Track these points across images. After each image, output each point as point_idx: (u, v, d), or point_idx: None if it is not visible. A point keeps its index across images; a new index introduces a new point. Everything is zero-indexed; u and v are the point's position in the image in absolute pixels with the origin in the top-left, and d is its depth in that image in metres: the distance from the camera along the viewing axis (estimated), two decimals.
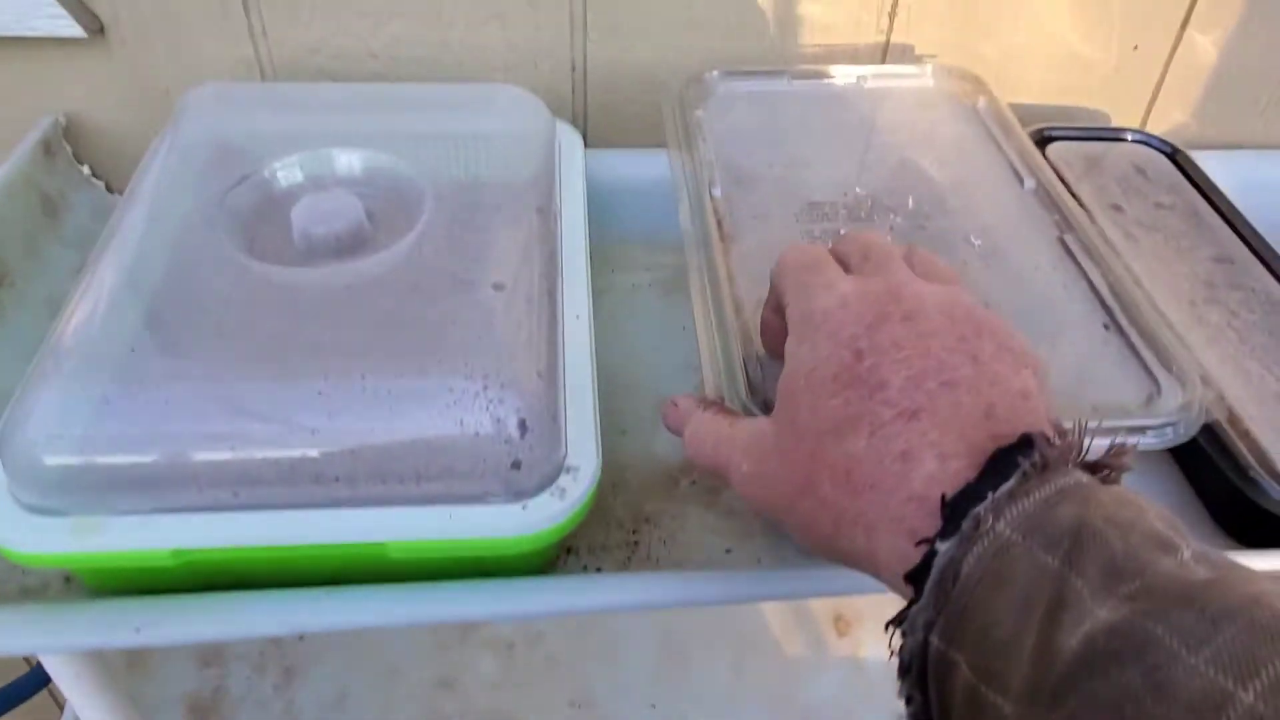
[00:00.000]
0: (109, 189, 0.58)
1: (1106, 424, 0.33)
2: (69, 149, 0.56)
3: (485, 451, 0.33)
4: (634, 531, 0.42)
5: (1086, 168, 0.53)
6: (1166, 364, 0.36)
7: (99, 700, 0.40)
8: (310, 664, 0.65)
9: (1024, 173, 0.45)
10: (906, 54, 0.56)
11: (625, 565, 0.40)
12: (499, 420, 0.33)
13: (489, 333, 0.35)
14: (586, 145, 0.60)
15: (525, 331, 0.36)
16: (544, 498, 0.34)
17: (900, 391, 0.26)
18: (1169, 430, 0.33)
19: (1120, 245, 0.48)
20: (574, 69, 0.56)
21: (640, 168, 0.56)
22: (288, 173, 0.42)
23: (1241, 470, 0.39)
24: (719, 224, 0.42)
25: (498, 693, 0.64)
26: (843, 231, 0.44)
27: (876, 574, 0.26)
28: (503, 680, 0.65)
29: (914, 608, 0.24)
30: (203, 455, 0.32)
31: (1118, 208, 0.50)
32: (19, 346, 0.46)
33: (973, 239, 0.42)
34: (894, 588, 0.26)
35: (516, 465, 0.33)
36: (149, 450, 0.32)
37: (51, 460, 0.32)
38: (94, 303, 0.35)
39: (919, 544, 0.24)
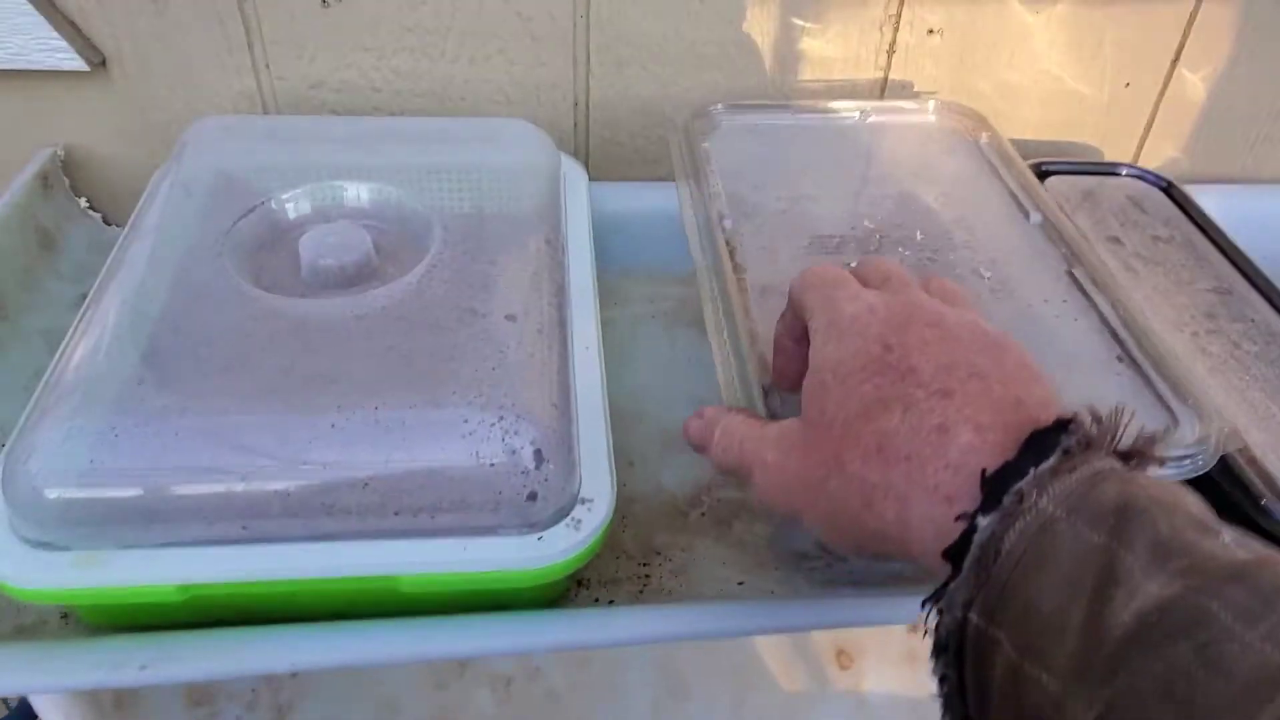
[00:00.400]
0: (106, 222, 0.57)
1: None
2: (67, 182, 0.55)
3: (501, 483, 0.32)
4: (644, 564, 0.41)
5: (1083, 201, 0.54)
6: (1181, 396, 0.36)
7: None
8: (303, 701, 0.64)
9: (1029, 207, 0.45)
10: (905, 90, 0.57)
11: (637, 598, 0.39)
12: (515, 451, 0.33)
13: (503, 364, 0.35)
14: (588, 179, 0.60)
15: (538, 363, 0.36)
16: (559, 529, 0.34)
17: (932, 376, 0.26)
18: (1187, 462, 0.33)
19: (1121, 278, 0.49)
20: (576, 104, 0.57)
21: (643, 201, 0.56)
22: (295, 204, 0.42)
23: (1254, 499, 0.39)
24: (731, 255, 0.42)
25: None
26: (852, 264, 0.44)
27: (906, 551, 0.26)
28: (501, 716, 0.64)
29: (952, 585, 0.23)
30: (211, 488, 0.32)
31: (1116, 240, 0.51)
32: (15, 379, 0.46)
33: (983, 272, 0.43)
34: (926, 563, 0.25)
35: (532, 497, 0.33)
36: (155, 483, 0.32)
37: (54, 493, 0.31)
38: (98, 334, 0.35)
39: (957, 519, 0.23)
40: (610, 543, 0.42)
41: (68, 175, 0.55)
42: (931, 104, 0.52)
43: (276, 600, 0.34)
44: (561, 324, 0.40)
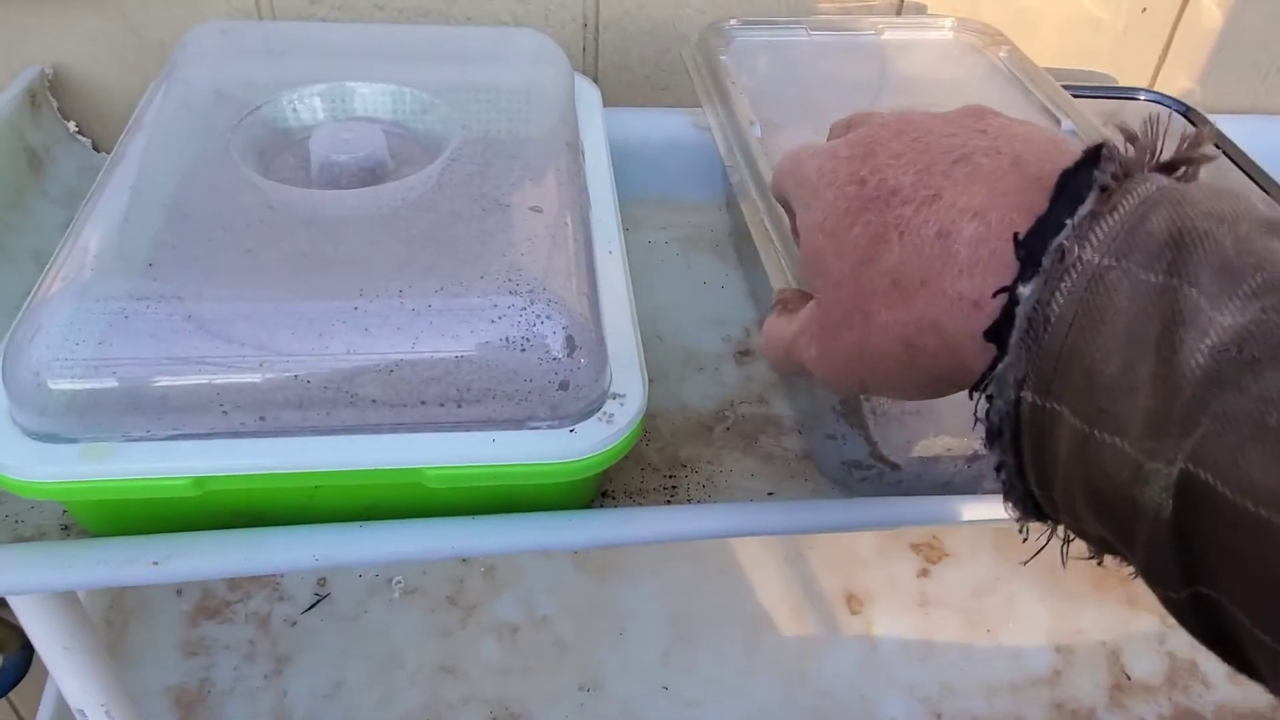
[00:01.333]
0: (96, 148, 0.55)
1: None
2: (55, 103, 0.53)
3: (531, 370, 0.31)
4: (670, 476, 0.40)
5: (1104, 124, 0.53)
6: None
7: (88, 676, 0.38)
8: (303, 652, 0.62)
9: (1060, 115, 0.44)
10: (920, 14, 0.56)
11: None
12: (546, 337, 0.31)
13: (531, 251, 0.33)
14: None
15: (566, 254, 0.35)
16: (592, 423, 0.32)
17: (913, 187, 0.23)
18: None
19: None
20: (585, 24, 0.55)
21: (656, 127, 0.55)
22: (304, 105, 0.40)
23: None
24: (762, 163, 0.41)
25: (504, 678, 0.62)
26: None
27: (970, 373, 0.23)
28: (509, 665, 0.62)
29: (1000, 366, 0.21)
30: (227, 376, 0.30)
31: None
32: (4, 299, 0.44)
33: None
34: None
35: (564, 386, 0.31)
36: (168, 371, 0.30)
37: (60, 379, 0.29)
38: (105, 219, 0.33)
39: (996, 294, 0.21)
40: (635, 455, 0.40)
41: (56, 96, 0.53)
42: (948, 21, 0.51)
43: (296, 499, 0.32)
44: (585, 223, 0.38)
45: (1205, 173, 0.52)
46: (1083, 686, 0.65)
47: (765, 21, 0.50)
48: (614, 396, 0.33)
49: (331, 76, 0.41)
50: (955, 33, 0.51)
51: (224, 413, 0.30)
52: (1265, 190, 0.49)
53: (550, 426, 0.32)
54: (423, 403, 0.31)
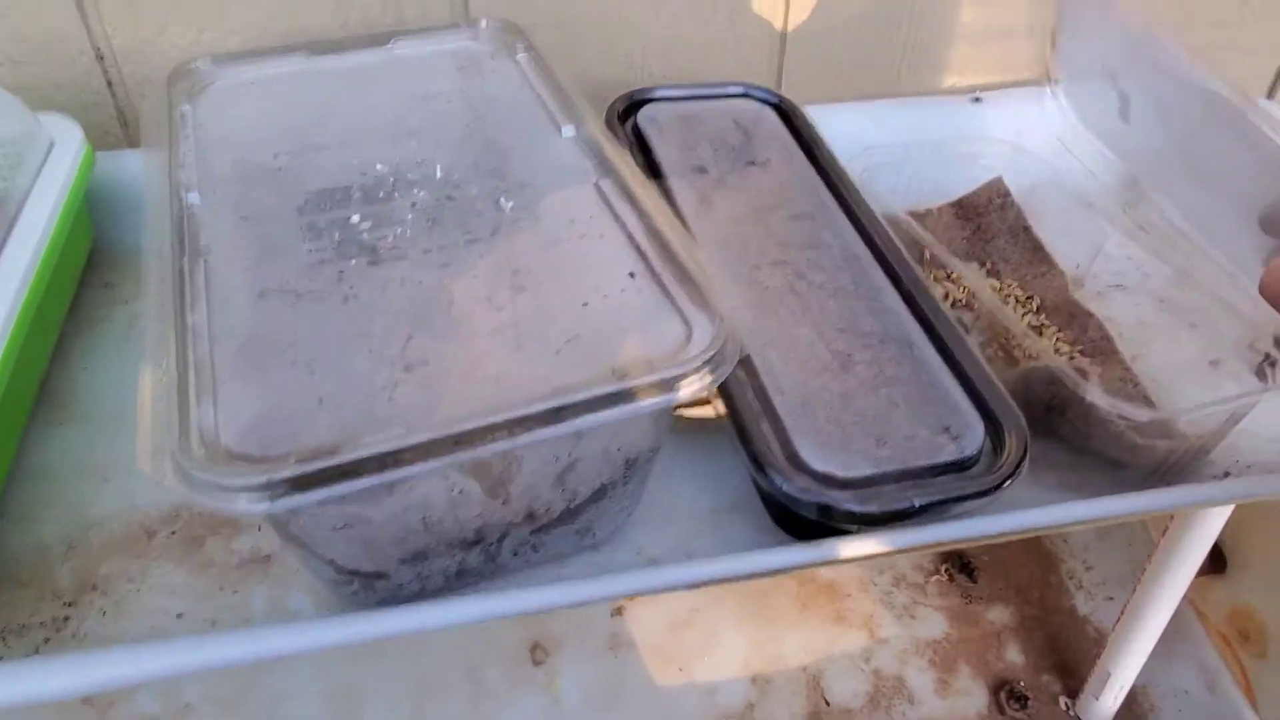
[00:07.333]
0: None
1: (632, 383, 0.28)
2: None
3: None
4: (70, 604, 0.34)
5: (678, 129, 0.48)
6: (698, 304, 0.31)
7: None
8: None
9: (562, 120, 0.39)
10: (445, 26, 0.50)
11: (36, 649, 0.32)
12: None
13: None
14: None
15: None
16: None
17: None
18: (704, 370, 0.29)
19: (694, 210, 0.43)
20: (101, 57, 0.48)
21: None
22: None
23: (759, 462, 0.34)
24: (191, 236, 0.35)
25: None
26: (354, 219, 0.37)
27: None
28: None
29: None
30: None
31: (702, 170, 0.45)
32: None
33: (503, 202, 0.37)
34: None
35: None
36: None
37: None
38: None
39: None
40: (38, 581, 0.35)
41: None
42: (472, 29, 0.45)
43: None
44: None
45: (774, 177, 0.47)
46: (778, 718, 0.61)
47: (251, 54, 0.43)
48: None
49: None
50: (478, 39, 0.45)
51: None
52: (831, 187, 0.45)
53: None
54: None
